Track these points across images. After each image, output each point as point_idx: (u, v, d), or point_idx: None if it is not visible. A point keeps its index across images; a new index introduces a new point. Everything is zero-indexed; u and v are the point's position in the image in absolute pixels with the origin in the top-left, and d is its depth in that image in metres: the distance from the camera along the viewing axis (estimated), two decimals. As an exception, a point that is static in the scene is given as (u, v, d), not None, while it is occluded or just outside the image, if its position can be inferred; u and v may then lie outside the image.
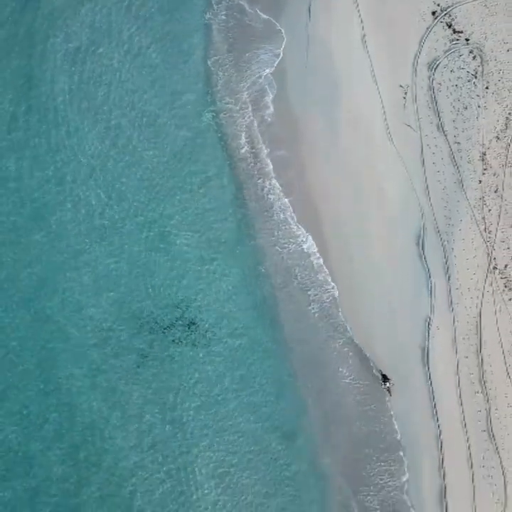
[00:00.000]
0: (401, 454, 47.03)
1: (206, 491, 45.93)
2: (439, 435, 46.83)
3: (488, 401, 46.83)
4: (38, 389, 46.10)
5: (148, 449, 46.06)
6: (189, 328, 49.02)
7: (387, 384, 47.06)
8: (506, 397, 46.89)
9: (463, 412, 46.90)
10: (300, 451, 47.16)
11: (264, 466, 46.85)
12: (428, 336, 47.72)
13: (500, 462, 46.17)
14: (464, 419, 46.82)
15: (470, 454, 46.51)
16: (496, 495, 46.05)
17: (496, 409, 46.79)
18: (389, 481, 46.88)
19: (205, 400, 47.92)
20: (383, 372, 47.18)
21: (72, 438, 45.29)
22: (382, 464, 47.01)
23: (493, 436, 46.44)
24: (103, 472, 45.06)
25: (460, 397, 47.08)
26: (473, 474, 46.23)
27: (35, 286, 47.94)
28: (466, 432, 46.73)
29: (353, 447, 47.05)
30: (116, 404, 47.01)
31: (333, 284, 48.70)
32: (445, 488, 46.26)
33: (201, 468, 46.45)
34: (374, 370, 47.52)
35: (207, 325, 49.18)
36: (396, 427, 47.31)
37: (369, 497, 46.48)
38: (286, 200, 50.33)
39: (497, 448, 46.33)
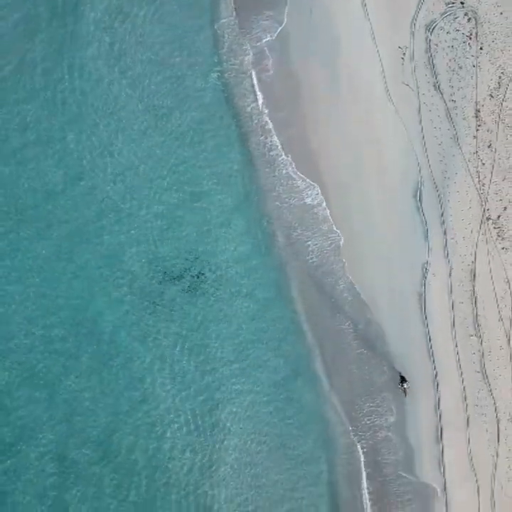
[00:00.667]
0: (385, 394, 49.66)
1: (209, 428, 48.57)
2: (436, 376, 49.30)
3: (482, 344, 49.31)
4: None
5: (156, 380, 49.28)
6: (198, 278, 51.27)
7: (404, 385, 48.82)
8: (498, 340, 49.39)
9: (458, 354, 49.38)
10: (300, 391, 49.73)
11: (268, 405, 49.39)
12: (425, 282, 50.16)
13: (493, 401, 48.65)
14: (459, 361, 49.28)
15: (465, 393, 48.98)
16: (489, 432, 48.56)
17: (490, 351, 49.27)
18: (377, 420, 49.37)
19: (213, 345, 50.36)
20: (402, 374, 49.06)
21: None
22: (371, 404, 49.58)
23: (486, 376, 48.92)
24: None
25: (455, 340, 49.55)
26: (467, 412, 48.70)
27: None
28: (461, 373, 49.20)
29: (350, 387, 49.64)
30: (129, 348, 49.63)
31: (338, 231, 51.08)
32: (441, 425, 48.73)
33: (207, 405, 49.00)
34: (396, 371, 49.77)
35: (214, 275, 51.46)
36: (385, 369, 49.80)
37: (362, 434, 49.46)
38: (288, 156, 52.55)
39: (490, 388, 48.80)
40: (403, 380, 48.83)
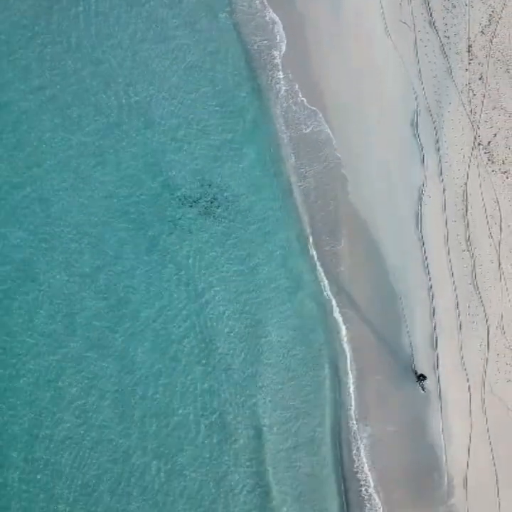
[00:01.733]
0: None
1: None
2: (431, 289, 53.31)
3: (473, 258, 53.41)
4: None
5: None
6: (212, 203, 55.14)
7: (424, 383, 51.27)
8: (489, 255, 53.47)
9: (451, 268, 53.37)
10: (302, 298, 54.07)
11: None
12: (421, 202, 54.24)
13: (484, 310, 52.71)
14: (452, 275, 53.27)
15: (457, 304, 52.98)
16: (479, 338, 52.55)
17: (481, 265, 53.35)
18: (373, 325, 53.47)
19: (226, 262, 54.19)
20: (422, 374, 51.44)
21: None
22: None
23: (477, 288, 52.99)
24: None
25: (449, 255, 53.59)
26: (460, 321, 52.73)
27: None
28: (454, 285, 53.18)
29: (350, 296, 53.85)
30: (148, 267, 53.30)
31: (339, 155, 55.21)
32: (436, 333, 52.69)
33: (216, 319, 52.74)
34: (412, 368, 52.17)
35: (227, 200, 55.35)
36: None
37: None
38: (294, 86, 56.75)
39: (481, 298, 52.81)
40: (423, 378, 51.45)
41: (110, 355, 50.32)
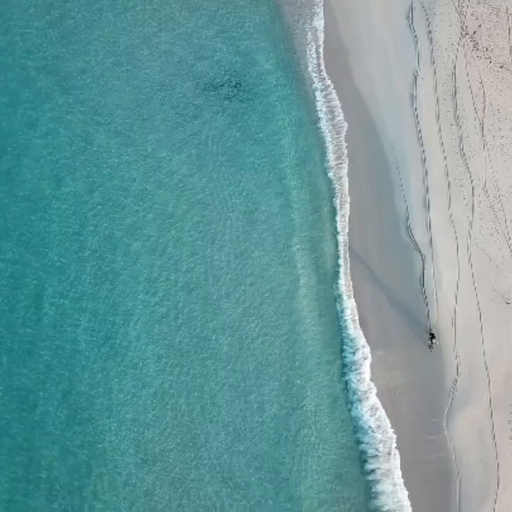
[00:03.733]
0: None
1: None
2: (424, 155, 61.32)
3: (460, 131, 61.50)
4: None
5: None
6: (236, 87, 63.16)
7: (433, 342, 55.94)
8: (474, 128, 61.65)
9: (441, 139, 61.49)
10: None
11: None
12: (415, 84, 62.36)
13: (469, 175, 60.79)
14: (442, 145, 61.37)
15: (447, 169, 61.04)
16: (466, 199, 60.65)
17: (467, 137, 61.49)
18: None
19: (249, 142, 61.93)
20: (432, 332, 56.24)
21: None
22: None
23: (464, 156, 61.11)
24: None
25: (439, 129, 61.69)
26: (449, 184, 60.82)
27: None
28: (444, 155, 61.28)
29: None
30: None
31: (344, 46, 63.58)
32: (428, 194, 60.71)
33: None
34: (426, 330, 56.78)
35: (249, 86, 63.43)
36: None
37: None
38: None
39: (467, 164, 60.93)
40: (433, 336, 56.31)
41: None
